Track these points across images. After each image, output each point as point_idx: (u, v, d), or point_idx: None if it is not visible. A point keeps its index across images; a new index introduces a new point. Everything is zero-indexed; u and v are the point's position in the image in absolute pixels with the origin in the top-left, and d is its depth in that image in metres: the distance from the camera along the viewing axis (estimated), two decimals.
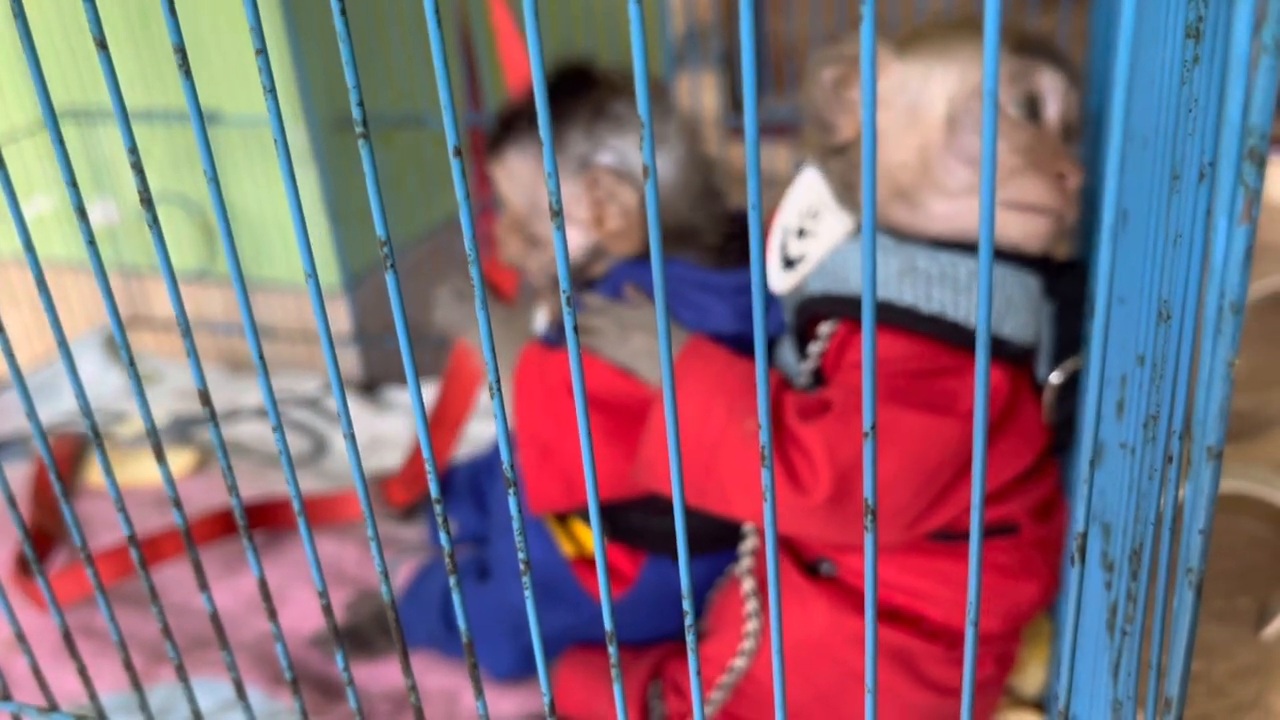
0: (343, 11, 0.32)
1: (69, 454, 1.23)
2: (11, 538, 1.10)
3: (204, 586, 0.47)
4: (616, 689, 0.42)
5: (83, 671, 0.54)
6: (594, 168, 0.80)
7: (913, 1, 1.36)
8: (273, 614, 0.47)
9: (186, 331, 0.41)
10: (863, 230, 0.28)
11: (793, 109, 0.81)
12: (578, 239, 0.81)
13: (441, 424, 1.04)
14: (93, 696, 0.54)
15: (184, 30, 1.33)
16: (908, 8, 1.53)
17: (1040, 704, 0.91)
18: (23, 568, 1.04)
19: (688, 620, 0.38)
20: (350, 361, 1.46)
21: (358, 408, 1.36)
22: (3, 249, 1.55)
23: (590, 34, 1.63)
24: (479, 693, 0.45)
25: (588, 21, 1.62)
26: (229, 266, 0.38)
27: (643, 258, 0.81)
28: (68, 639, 0.52)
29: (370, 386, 1.43)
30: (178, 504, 0.46)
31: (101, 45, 0.35)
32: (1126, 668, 0.46)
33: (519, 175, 0.82)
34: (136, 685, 0.53)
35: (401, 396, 1.39)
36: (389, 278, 0.36)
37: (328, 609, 0.46)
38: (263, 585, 0.46)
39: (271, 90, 0.35)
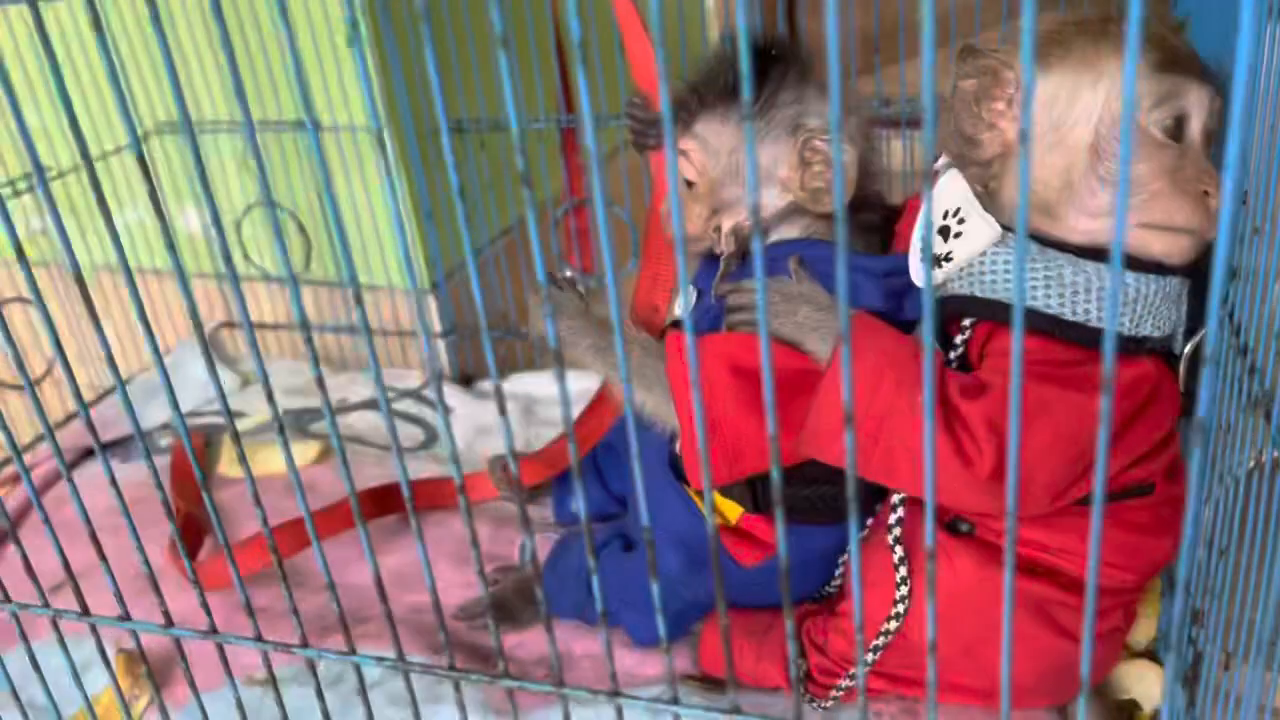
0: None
1: (197, 448, 1.29)
2: (163, 526, 1.16)
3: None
4: (789, 647, 0.47)
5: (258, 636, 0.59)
6: (807, 129, 0.84)
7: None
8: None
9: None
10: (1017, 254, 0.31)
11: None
12: (773, 200, 0.86)
13: (598, 409, 1.09)
14: (272, 678, 0.59)
15: (279, 47, 1.38)
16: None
17: (1152, 654, 0.96)
18: (177, 553, 1.10)
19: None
20: (443, 356, 1.52)
21: (460, 398, 1.41)
22: (110, 258, 1.61)
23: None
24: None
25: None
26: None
27: (800, 239, 0.87)
28: (249, 608, 0.58)
29: (468, 380, 1.48)
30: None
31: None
32: None
33: (714, 143, 0.86)
34: (312, 668, 0.59)
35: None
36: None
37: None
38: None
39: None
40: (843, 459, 0.79)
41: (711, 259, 0.92)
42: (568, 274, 1.44)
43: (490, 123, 1.45)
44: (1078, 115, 0.73)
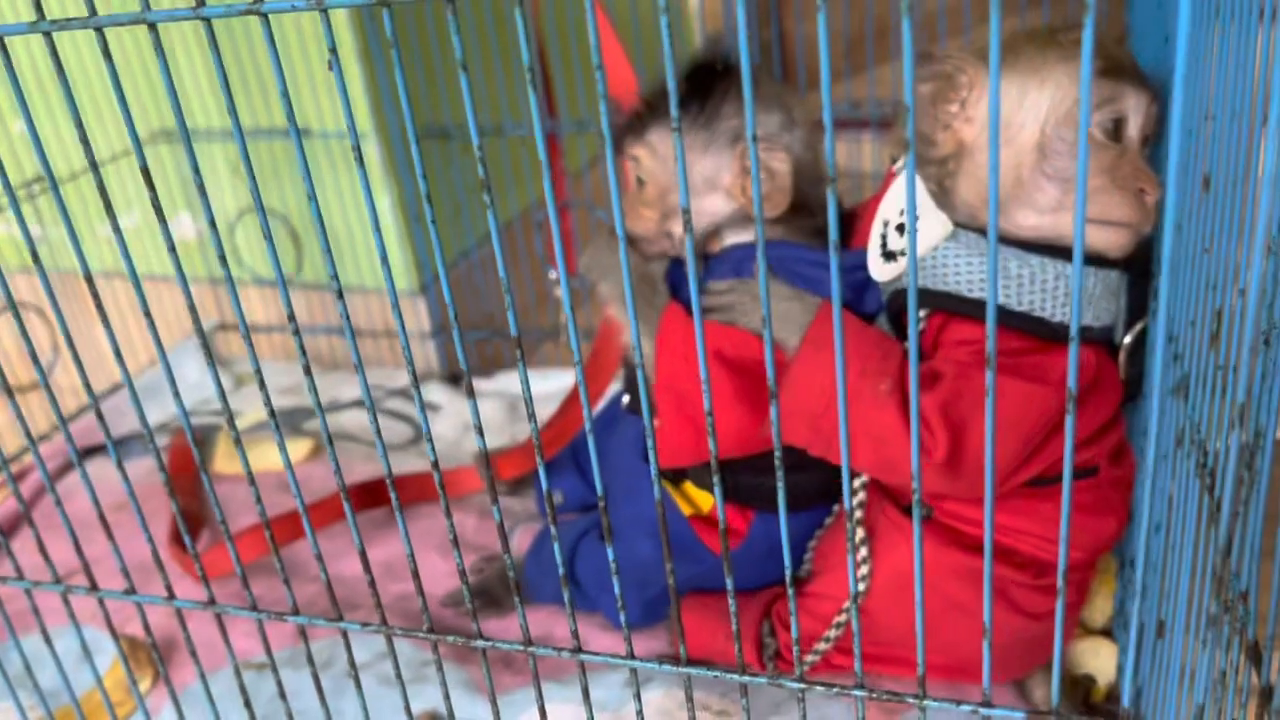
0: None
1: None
2: (165, 521, 1.20)
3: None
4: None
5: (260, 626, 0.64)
6: (745, 139, 0.89)
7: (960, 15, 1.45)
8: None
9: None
10: (988, 272, 0.38)
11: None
12: (720, 206, 0.91)
13: (576, 403, 1.14)
14: (268, 650, 0.64)
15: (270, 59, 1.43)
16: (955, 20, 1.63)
17: (1108, 632, 1.01)
18: (177, 544, 1.14)
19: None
20: (431, 356, 1.57)
21: (448, 396, 1.46)
22: (102, 264, 1.65)
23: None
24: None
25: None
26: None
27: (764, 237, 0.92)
28: (244, 580, 0.62)
29: (455, 378, 1.53)
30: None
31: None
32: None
33: (662, 150, 0.92)
34: (303, 635, 0.63)
35: (486, 385, 1.49)
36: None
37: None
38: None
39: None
40: (806, 441, 0.84)
41: (676, 262, 0.97)
42: (553, 274, 1.49)
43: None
44: (1025, 116, 0.78)
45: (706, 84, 0.91)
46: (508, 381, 1.49)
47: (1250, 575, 0.50)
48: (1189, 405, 0.66)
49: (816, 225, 0.91)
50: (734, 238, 0.93)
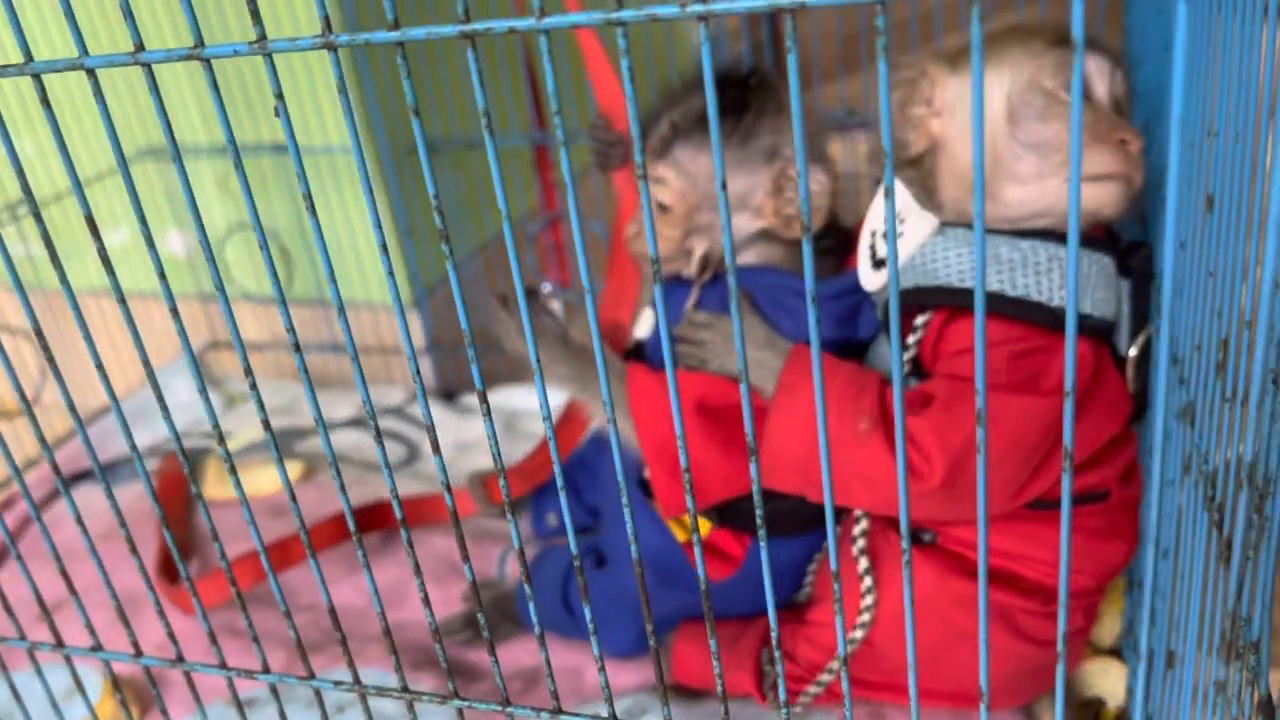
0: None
1: (182, 470, 1.31)
2: (151, 549, 1.18)
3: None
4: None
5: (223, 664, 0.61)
6: (784, 158, 0.87)
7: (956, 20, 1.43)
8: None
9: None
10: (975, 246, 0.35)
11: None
12: (745, 225, 0.89)
13: (568, 424, 1.12)
14: (239, 709, 0.62)
15: (255, 74, 1.41)
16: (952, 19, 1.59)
17: (1116, 652, 0.99)
18: (165, 575, 1.12)
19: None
20: (425, 371, 1.54)
21: (441, 414, 1.44)
22: (90, 283, 1.63)
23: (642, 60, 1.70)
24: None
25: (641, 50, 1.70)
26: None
27: (754, 267, 0.89)
28: (212, 638, 0.59)
29: (450, 395, 1.51)
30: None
31: None
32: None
33: (691, 169, 0.89)
34: (275, 693, 0.61)
35: None
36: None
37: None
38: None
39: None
40: (800, 489, 0.82)
41: (674, 281, 0.95)
42: (547, 288, 1.47)
43: (464, 141, 1.47)
44: (991, 94, 0.79)
45: (739, 99, 0.89)
46: (503, 397, 1.47)
47: (1263, 625, 0.48)
48: (1195, 432, 0.63)
49: (818, 247, 0.89)
50: (747, 258, 0.90)
